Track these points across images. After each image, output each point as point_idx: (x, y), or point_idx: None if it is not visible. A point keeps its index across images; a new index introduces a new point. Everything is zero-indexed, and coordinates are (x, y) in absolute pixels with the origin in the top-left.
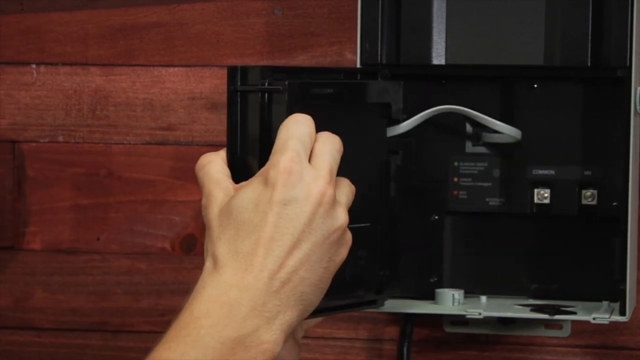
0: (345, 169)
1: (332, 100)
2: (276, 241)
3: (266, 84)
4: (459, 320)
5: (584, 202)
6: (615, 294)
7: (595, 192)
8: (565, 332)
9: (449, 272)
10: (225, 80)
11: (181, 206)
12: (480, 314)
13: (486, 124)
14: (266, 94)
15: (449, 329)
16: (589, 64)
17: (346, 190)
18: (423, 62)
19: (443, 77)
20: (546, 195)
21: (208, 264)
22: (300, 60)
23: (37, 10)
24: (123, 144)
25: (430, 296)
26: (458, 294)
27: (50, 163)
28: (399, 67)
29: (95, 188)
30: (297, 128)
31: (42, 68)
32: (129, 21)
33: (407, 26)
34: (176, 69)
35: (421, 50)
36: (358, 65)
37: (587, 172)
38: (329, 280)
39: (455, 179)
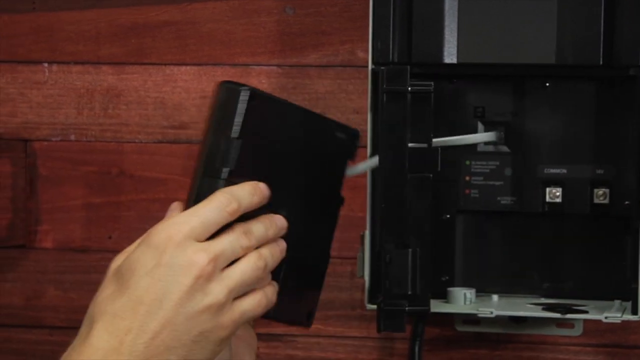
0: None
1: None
2: (143, 305)
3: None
4: (471, 319)
5: (595, 201)
6: (627, 293)
7: (607, 191)
8: (577, 331)
9: (460, 271)
10: (236, 79)
11: None
12: (491, 312)
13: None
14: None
15: (460, 328)
16: (601, 62)
17: (244, 267)
18: (435, 60)
19: (454, 76)
20: (558, 194)
21: (83, 326)
22: (312, 59)
23: (49, 9)
24: (135, 142)
25: (442, 295)
26: (470, 292)
27: (62, 162)
28: (411, 66)
29: (107, 186)
30: (213, 212)
31: (54, 67)
32: (140, 20)
33: (418, 25)
34: (188, 67)
35: (433, 49)
36: (370, 65)
37: (599, 171)
38: (204, 355)
39: (467, 178)
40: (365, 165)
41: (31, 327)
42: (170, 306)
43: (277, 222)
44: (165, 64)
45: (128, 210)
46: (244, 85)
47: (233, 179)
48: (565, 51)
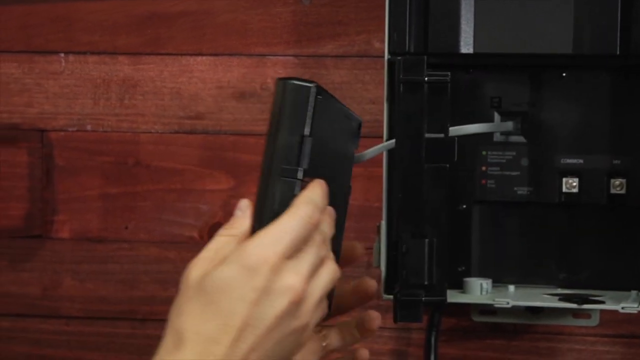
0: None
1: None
2: (236, 330)
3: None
4: (487, 309)
5: (612, 191)
6: None
7: (624, 181)
8: (594, 321)
9: (477, 261)
10: (252, 69)
11: (209, 195)
12: (508, 303)
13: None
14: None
15: (476, 318)
16: (618, 52)
17: (326, 281)
18: (451, 50)
19: (471, 66)
20: (575, 184)
21: (169, 339)
22: (328, 49)
23: (65, 0)
24: (151, 132)
25: (459, 285)
26: (486, 283)
27: (78, 152)
28: (427, 56)
29: (123, 177)
30: (298, 221)
31: (71, 57)
32: (157, 10)
33: (435, 15)
34: (204, 58)
35: (449, 39)
36: (386, 55)
37: (616, 161)
38: None
39: (484, 168)
40: (372, 151)
41: (48, 317)
42: (262, 331)
43: (333, 216)
44: (181, 55)
45: (144, 201)
46: (309, 81)
47: (305, 179)
48: (582, 41)
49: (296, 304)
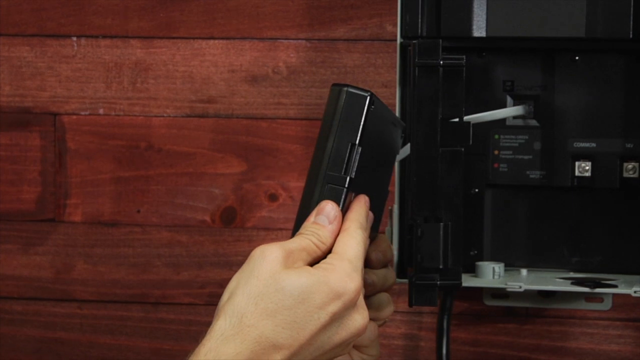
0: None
1: None
2: (302, 349)
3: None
4: (499, 293)
5: (625, 174)
6: None
7: (636, 164)
8: (606, 305)
9: (489, 245)
10: (264, 53)
11: (221, 179)
12: (520, 287)
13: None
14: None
15: (489, 302)
16: (630, 35)
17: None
18: (464, 34)
19: (484, 50)
20: (587, 168)
21: (228, 322)
22: (340, 33)
23: None
24: (163, 116)
25: (471, 269)
26: (498, 267)
27: (91, 135)
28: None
29: (135, 161)
30: (363, 249)
31: (83, 41)
32: None
33: None
34: (216, 41)
35: (462, 22)
36: (398, 38)
37: (628, 145)
38: None
39: (496, 152)
40: (403, 152)
41: (61, 301)
42: (317, 354)
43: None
44: (193, 38)
45: (156, 184)
46: (365, 90)
47: (351, 187)
48: (595, 24)
49: (355, 338)
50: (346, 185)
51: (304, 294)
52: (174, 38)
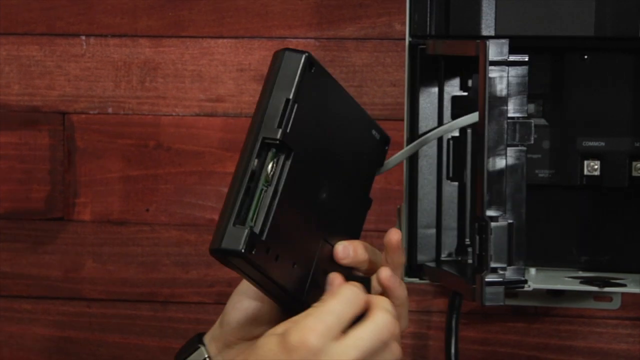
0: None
1: None
2: None
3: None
4: (508, 292)
5: (634, 173)
6: None
7: None
8: (615, 304)
9: None
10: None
11: (230, 177)
12: (529, 286)
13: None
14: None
15: None
16: (639, 34)
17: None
18: (472, 33)
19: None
20: (596, 167)
21: None
22: (349, 31)
23: None
24: (172, 115)
25: None
26: None
27: (99, 134)
28: (448, 39)
29: (144, 159)
30: (344, 307)
31: (92, 40)
32: None
33: None
34: (225, 40)
35: (470, 21)
36: (407, 37)
37: (637, 144)
38: None
39: None
40: (395, 159)
41: (69, 299)
42: None
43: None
44: (202, 37)
45: (165, 183)
46: (304, 51)
47: (287, 143)
48: (604, 23)
49: None
50: (279, 137)
51: (265, 353)
52: (182, 37)
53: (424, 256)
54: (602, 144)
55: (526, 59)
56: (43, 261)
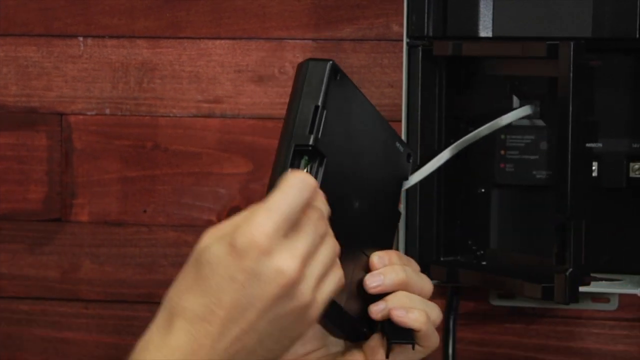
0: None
1: None
2: (223, 309)
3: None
4: (506, 293)
5: (631, 174)
6: None
7: None
8: (613, 305)
9: (495, 245)
10: (270, 53)
11: (227, 179)
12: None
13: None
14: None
15: (495, 302)
16: (637, 35)
17: (326, 258)
18: (470, 34)
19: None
20: (593, 168)
21: (162, 314)
22: (347, 32)
23: None
24: (169, 116)
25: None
26: None
27: (97, 135)
28: (446, 40)
29: (142, 160)
30: (292, 197)
31: (89, 41)
32: None
33: None
34: (222, 41)
35: (468, 23)
36: (405, 38)
37: (635, 145)
38: (282, 352)
39: (502, 152)
40: (417, 177)
41: (67, 300)
42: (253, 313)
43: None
44: (199, 38)
45: (163, 184)
46: (327, 59)
47: (319, 149)
48: (602, 24)
49: (290, 287)
50: (311, 143)
51: (214, 260)
52: (180, 38)
53: (425, 257)
54: (600, 145)
55: (595, 60)
56: (40, 262)
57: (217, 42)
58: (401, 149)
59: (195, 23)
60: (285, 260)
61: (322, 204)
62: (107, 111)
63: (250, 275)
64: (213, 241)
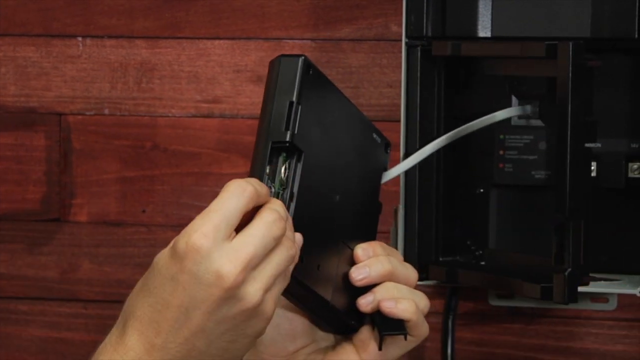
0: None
1: None
2: (169, 310)
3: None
4: (505, 293)
5: (630, 175)
6: None
7: None
8: (612, 305)
9: (494, 245)
10: (269, 53)
11: (226, 179)
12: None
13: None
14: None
15: (494, 302)
16: (636, 35)
17: (278, 260)
18: (469, 34)
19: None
20: (592, 168)
21: (119, 319)
22: (345, 33)
23: None
24: (168, 116)
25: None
26: None
27: (96, 135)
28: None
29: (141, 160)
30: (229, 201)
31: (88, 41)
32: None
33: None
34: (221, 41)
35: (467, 23)
36: (403, 38)
37: (633, 145)
38: (242, 350)
39: (501, 152)
40: (397, 169)
41: (66, 301)
42: (199, 315)
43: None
44: (198, 38)
45: (162, 184)
46: (300, 55)
47: (296, 144)
48: (601, 24)
49: (232, 289)
50: (288, 139)
51: (158, 264)
52: (179, 38)
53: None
54: (598, 145)
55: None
56: (39, 262)
57: (216, 42)
58: (378, 140)
59: (194, 23)
60: (224, 263)
61: (280, 208)
62: (106, 111)
63: (190, 277)
64: (165, 248)
